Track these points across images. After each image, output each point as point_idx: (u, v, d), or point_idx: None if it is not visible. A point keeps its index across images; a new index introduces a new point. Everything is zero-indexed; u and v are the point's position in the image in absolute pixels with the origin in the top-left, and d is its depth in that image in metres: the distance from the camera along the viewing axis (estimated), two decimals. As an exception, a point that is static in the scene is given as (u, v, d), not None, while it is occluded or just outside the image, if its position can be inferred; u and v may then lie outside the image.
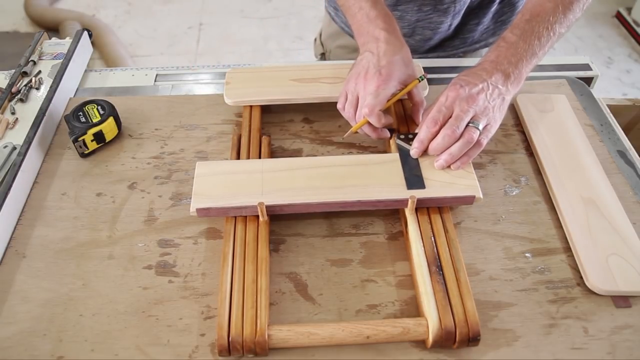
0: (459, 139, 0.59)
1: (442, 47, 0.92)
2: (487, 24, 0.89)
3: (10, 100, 0.74)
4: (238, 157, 0.66)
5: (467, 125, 0.59)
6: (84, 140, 0.67)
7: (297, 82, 0.74)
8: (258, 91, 0.73)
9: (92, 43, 0.89)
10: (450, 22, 0.85)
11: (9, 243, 0.60)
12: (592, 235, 0.59)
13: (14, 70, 0.79)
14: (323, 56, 1.03)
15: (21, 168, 0.63)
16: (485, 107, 0.60)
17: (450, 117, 0.60)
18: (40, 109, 0.70)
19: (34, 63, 0.80)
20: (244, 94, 0.72)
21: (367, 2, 0.67)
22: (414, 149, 0.62)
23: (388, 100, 0.63)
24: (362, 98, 0.63)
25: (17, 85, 0.76)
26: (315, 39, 1.05)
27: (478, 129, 0.59)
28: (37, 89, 0.76)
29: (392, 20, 0.66)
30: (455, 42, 0.91)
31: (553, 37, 0.65)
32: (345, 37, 0.94)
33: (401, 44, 0.65)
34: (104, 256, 0.58)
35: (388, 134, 0.66)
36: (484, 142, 0.61)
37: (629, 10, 2.45)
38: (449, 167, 0.61)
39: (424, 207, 0.60)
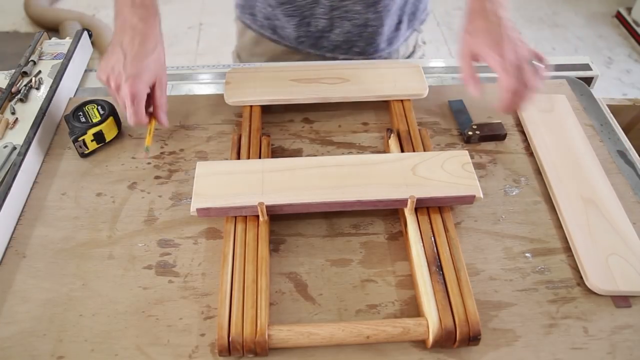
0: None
1: (367, 46, 0.88)
2: (400, 17, 0.88)
3: (10, 100, 0.74)
4: (238, 157, 0.66)
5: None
6: (84, 140, 0.67)
7: (297, 82, 0.74)
8: (258, 91, 0.73)
9: (92, 43, 0.89)
10: (365, 15, 0.83)
11: (9, 243, 0.60)
12: (592, 235, 0.59)
13: (14, 70, 0.79)
14: None
15: (21, 168, 0.63)
16: (520, 40, 0.63)
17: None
18: (40, 109, 0.70)
19: (34, 63, 0.80)
20: (244, 94, 0.72)
21: None
22: (500, 109, 0.64)
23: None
24: (124, 106, 0.64)
25: (17, 85, 0.76)
26: (232, 53, 1.01)
27: (534, 65, 0.63)
28: (37, 89, 0.76)
29: (155, 13, 0.66)
30: (376, 39, 0.88)
31: None
32: (264, 42, 0.91)
33: (155, 42, 0.65)
34: (104, 256, 0.58)
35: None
36: (542, 66, 0.64)
37: (629, 10, 2.46)
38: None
39: (424, 207, 0.60)
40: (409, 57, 0.97)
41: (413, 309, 0.54)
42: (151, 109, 0.68)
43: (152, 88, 0.66)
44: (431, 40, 2.45)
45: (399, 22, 0.89)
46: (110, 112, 0.69)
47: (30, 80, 0.77)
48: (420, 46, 0.99)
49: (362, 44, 0.88)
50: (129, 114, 0.63)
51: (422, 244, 0.56)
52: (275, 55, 0.91)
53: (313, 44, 0.88)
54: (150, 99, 0.67)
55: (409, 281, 0.57)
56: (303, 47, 0.89)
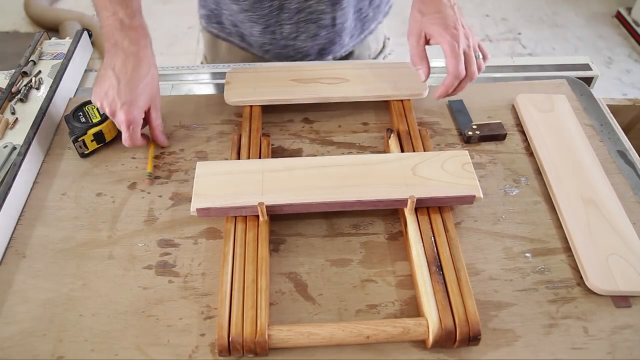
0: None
1: (332, 45, 0.88)
2: (365, 10, 0.88)
3: (10, 100, 0.74)
4: (238, 157, 0.66)
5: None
6: (84, 140, 0.67)
7: (297, 82, 0.74)
8: (258, 91, 0.73)
9: (92, 43, 0.89)
10: (332, 14, 0.82)
11: (9, 243, 0.60)
12: (592, 235, 0.59)
13: (14, 70, 0.79)
14: None
15: (21, 168, 0.63)
16: (471, 34, 0.65)
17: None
18: (40, 109, 0.70)
19: (34, 63, 0.80)
20: (244, 94, 0.72)
21: (122, 8, 0.63)
22: (437, 92, 0.67)
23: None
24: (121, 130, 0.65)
25: (17, 85, 0.76)
26: (202, 62, 1.00)
27: (479, 58, 0.65)
28: (37, 89, 0.76)
29: (145, 35, 0.65)
30: (343, 35, 0.87)
31: None
32: (234, 50, 0.90)
33: (149, 65, 0.64)
34: (104, 256, 0.58)
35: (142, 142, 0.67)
36: (483, 62, 0.67)
37: (629, 10, 2.46)
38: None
39: (424, 207, 0.60)
40: (380, 52, 0.97)
41: (413, 309, 0.54)
42: (147, 130, 0.69)
43: (147, 111, 0.66)
44: (431, 40, 2.44)
45: (365, 16, 0.88)
46: (110, 112, 0.69)
47: (30, 80, 0.77)
48: (389, 39, 0.99)
49: (329, 46, 0.87)
50: (125, 139, 0.65)
51: (422, 244, 0.56)
52: (249, 59, 0.90)
53: (278, 53, 0.87)
54: (146, 119, 0.67)
55: (409, 281, 0.57)
56: (268, 56, 0.88)
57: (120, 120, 0.63)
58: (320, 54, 0.88)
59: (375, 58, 0.96)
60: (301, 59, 0.88)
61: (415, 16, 0.67)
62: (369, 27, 0.91)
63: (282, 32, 0.83)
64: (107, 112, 0.64)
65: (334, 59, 0.89)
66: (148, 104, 0.65)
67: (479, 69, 0.65)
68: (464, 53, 0.63)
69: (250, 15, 0.82)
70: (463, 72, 0.63)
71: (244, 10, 0.81)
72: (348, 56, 0.91)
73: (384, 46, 0.97)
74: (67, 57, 0.79)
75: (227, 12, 0.85)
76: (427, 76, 0.67)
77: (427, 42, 0.67)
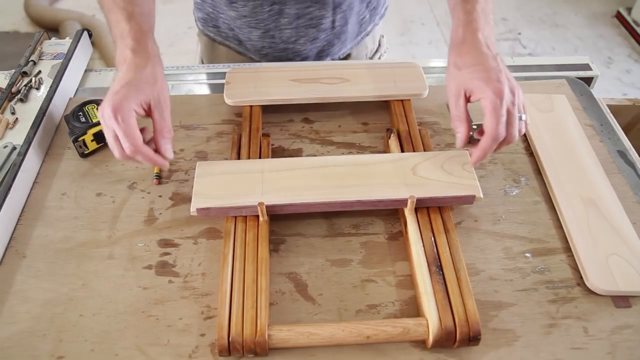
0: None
1: (331, 47, 0.87)
2: (362, 12, 0.87)
3: (10, 100, 0.74)
4: (238, 157, 0.66)
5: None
6: (84, 140, 0.67)
7: (297, 82, 0.74)
8: (258, 91, 0.73)
9: (92, 43, 0.89)
10: (332, 17, 0.82)
11: (9, 243, 0.60)
12: (592, 235, 0.59)
13: (14, 70, 0.79)
14: None
15: (21, 168, 0.63)
16: (517, 89, 0.56)
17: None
18: (40, 109, 0.70)
19: (34, 63, 0.80)
20: (244, 94, 0.72)
21: (122, 14, 0.59)
22: (473, 157, 0.58)
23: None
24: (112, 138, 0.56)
25: (17, 85, 0.76)
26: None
27: (523, 119, 0.56)
28: (37, 89, 0.76)
29: (143, 35, 0.59)
30: (342, 38, 0.86)
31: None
32: (231, 54, 0.89)
33: (145, 64, 0.57)
34: (104, 256, 0.58)
35: (166, 162, 0.58)
36: (525, 125, 0.58)
37: (629, 10, 2.46)
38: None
39: (424, 207, 0.60)
40: (376, 51, 0.97)
41: (413, 309, 0.54)
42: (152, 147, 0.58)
43: (150, 113, 0.57)
44: (431, 40, 2.45)
45: (362, 19, 0.88)
46: (110, 112, 0.69)
47: (30, 80, 0.77)
48: (383, 36, 0.99)
49: (328, 48, 0.87)
50: (112, 141, 0.54)
51: (422, 244, 0.56)
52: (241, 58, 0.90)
53: (276, 57, 0.86)
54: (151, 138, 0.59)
55: (409, 281, 0.57)
56: (266, 60, 0.87)
57: (105, 114, 0.54)
58: (319, 57, 0.88)
59: (371, 57, 0.96)
60: (299, 62, 0.88)
61: (452, 72, 0.59)
62: (365, 29, 0.91)
63: (281, 37, 0.83)
64: (99, 116, 0.56)
65: (332, 60, 0.89)
66: (148, 101, 0.56)
67: (519, 133, 0.56)
68: (507, 112, 0.55)
69: (249, 20, 0.81)
70: (503, 135, 0.55)
71: (243, 16, 0.81)
72: (346, 58, 0.91)
73: (379, 45, 0.97)
74: (67, 57, 0.79)
75: (223, 17, 0.85)
76: (464, 143, 0.59)
77: (468, 99, 0.58)
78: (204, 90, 0.83)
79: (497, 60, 0.57)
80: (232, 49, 0.90)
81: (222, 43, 0.90)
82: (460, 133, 0.58)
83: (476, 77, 0.56)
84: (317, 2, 0.79)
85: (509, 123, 0.55)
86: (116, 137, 0.55)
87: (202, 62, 0.97)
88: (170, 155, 0.59)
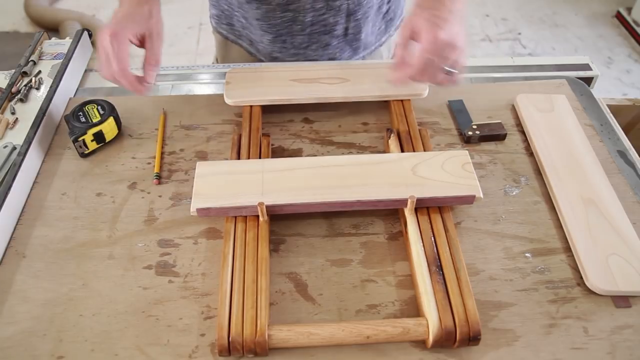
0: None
1: (342, 54, 0.88)
2: (378, 23, 0.88)
3: (10, 100, 0.74)
4: (238, 157, 0.66)
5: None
6: (84, 140, 0.67)
7: (297, 82, 0.74)
8: (258, 91, 0.73)
9: (92, 43, 0.89)
10: (345, 25, 0.82)
11: (9, 243, 0.60)
12: (592, 235, 0.59)
13: (14, 70, 0.79)
14: None
15: (21, 168, 0.63)
16: (462, 46, 0.59)
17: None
18: (40, 109, 0.70)
19: (34, 63, 0.80)
20: (244, 94, 0.72)
21: None
22: (392, 75, 0.61)
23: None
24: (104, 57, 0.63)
25: (17, 85, 0.76)
26: (213, 64, 0.98)
27: (455, 71, 0.59)
28: (37, 89, 0.76)
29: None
30: (354, 45, 0.87)
31: None
32: (244, 55, 0.91)
33: (143, 2, 0.65)
34: (104, 256, 0.58)
35: (144, 89, 0.65)
36: (460, 78, 0.61)
37: (629, 10, 2.46)
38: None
39: (424, 207, 0.60)
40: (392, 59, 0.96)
41: (413, 309, 0.54)
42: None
43: (143, 41, 0.65)
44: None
45: (378, 29, 0.88)
46: (110, 112, 0.69)
47: (30, 80, 0.77)
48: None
49: (340, 54, 0.87)
50: (104, 58, 0.61)
51: (422, 244, 0.56)
52: (253, 58, 0.90)
53: (287, 62, 0.86)
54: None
55: (409, 281, 0.57)
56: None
57: (102, 38, 0.60)
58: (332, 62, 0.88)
59: None
60: (299, 62, 0.87)
61: (413, 9, 0.62)
62: (379, 40, 0.91)
63: (293, 42, 0.83)
64: (96, 45, 0.62)
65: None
66: (142, 33, 0.64)
67: (442, 83, 0.60)
68: (430, 59, 0.58)
69: (261, 24, 0.82)
70: (415, 75, 0.59)
71: (256, 18, 0.81)
72: None
73: (395, 54, 0.97)
74: (67, 57, 0.79)
75: (238, 14, 0.85)
76: (394, 83, 0.62)
77: (414, 37, 0.61)
78: (204, 90, 0.82)
79: (454, 15, 0.59)
80: (244, 48, 0.90)
81: (234, 42, 0.90)
82: (395, 76, 0.61)
83: (426, 18, 0.59)
84: (332, 9, 0.79)
85: (427, 67, 0.58)
86: (107, 58, 0.61)
87: (217, 61, 0.97)
88: (151, 79, 0.66)
